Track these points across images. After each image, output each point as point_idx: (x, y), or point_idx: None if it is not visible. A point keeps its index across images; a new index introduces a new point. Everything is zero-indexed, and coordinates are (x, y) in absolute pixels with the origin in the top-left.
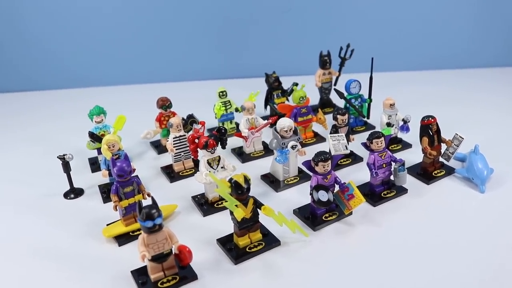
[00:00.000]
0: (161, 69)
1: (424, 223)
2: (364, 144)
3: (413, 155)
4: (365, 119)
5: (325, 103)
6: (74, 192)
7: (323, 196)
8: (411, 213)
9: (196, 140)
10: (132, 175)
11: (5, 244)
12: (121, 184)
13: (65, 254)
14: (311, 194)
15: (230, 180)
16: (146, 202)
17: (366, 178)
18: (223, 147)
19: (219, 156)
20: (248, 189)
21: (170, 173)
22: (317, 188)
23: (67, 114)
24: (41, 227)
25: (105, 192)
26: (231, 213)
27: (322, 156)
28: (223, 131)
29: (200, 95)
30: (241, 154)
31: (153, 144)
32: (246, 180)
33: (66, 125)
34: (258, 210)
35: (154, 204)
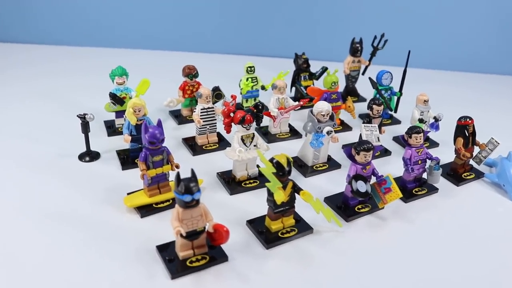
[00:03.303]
0: (187, 37)
1: (455, 225)
2: (402, 138)
3: (440, 155)
4: (392, 112)
5: (349, 92)
6: (90, 155)
7: (362, 187)
8: (442, 213)
9: (232, 114)
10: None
11: (18, 206)
12: (151, 152)
13: (84, 221)
14: (349, 183)
15: (272, 160)
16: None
17: (393, 172)
18: (258, 124)
19: (253, 133)
20: (290, 171)
21: (193, 146)
22: (356, 178)
23: (82, 72)
24: (56, 189)
25: (124, 158)
26: (270, 195)
27: (365, 145)
28: (260, 107)
29: (225, 68)
30: (266, 134)
31: (173, 114)
32: (289, 161)
33: (81, 83)
34: (296, 194)
35: (194, 177)
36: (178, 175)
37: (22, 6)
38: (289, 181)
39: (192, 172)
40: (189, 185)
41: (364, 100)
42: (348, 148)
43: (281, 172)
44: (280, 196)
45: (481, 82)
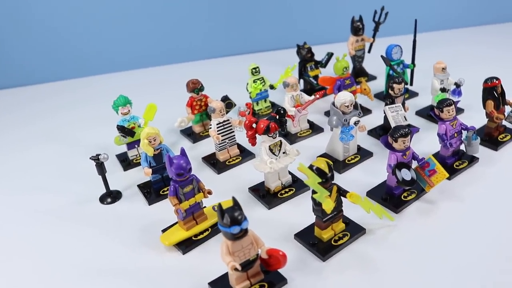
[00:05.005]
0: (179, 48)
1: (505, 193)
2: (434, 113)
3: (468, 120)
4: (408, 86)
5: (358, 72)
6: (111, 196)
7: (407, 175)
8: (490, 183)
9: (254, 125)
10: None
11: (53, 264)
12: (180, 184)
13: (125, 268)
14: (393, 174)
15: (311, 167)
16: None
17: (427, 149)
18: (283, 130)
19: (280, 141)
20: (332, 176)
21: (215, 163)
22: (398, 166)
23: (76, 106)
24: (87, 239)
25: (147, 192)
26: (317, 204)
27: (402, 131)
28: (282, 112)
29: (225, 72)
30: (286, 135)
31: (185, 132)
32: (329, 166)
33: (78, 117)
34: (342, 198)
35: (237, 206)
36: (220, 206)
37: None
38: (332, 185)
39: (234, 200)
40: (234, 215)
41: (374, 78)
42: (384, 137)
43: (324, 178)
44: (329, 205)
45: (494, 34)
